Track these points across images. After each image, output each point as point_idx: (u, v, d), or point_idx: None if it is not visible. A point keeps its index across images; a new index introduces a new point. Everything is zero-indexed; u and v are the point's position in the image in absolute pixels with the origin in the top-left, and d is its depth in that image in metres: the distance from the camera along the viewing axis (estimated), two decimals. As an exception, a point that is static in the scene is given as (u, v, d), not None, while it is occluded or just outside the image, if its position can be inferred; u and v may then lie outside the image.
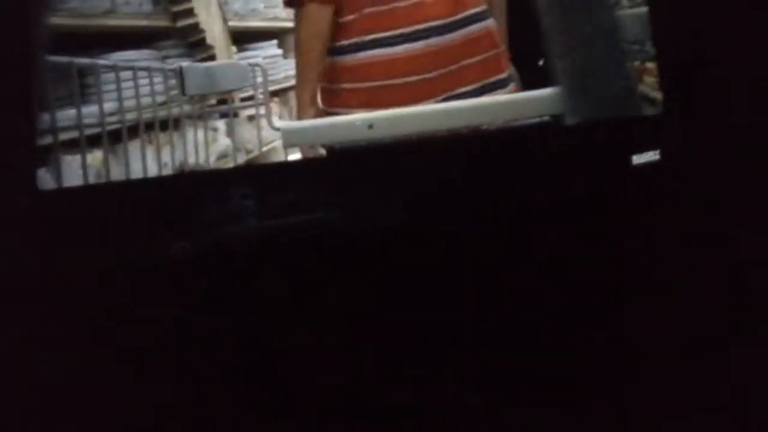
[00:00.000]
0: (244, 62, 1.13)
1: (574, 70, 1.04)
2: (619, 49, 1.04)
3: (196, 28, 1.15)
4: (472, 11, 1.09)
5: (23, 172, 0.96)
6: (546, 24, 1.05)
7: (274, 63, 1.20)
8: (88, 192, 1.01)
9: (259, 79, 1.09)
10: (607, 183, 1.07)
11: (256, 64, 1.10)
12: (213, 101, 1.11)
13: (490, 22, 1.10)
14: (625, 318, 1.12)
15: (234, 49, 1.16)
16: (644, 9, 1.08)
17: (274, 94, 1.17)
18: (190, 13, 1.15)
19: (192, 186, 1.04)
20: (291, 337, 1.05)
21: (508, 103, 1.11)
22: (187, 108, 1.07)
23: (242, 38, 1.18)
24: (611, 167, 1.07)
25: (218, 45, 1.15)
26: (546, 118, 1.07)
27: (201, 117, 1.09)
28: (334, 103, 1.11)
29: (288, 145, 1.05)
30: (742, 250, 1.13)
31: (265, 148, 1.11)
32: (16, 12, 0.99)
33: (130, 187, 1.03)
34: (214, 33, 1.16)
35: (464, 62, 1.09)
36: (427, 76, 1.07)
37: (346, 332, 1.06)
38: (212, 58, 1.14)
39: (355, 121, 1.03)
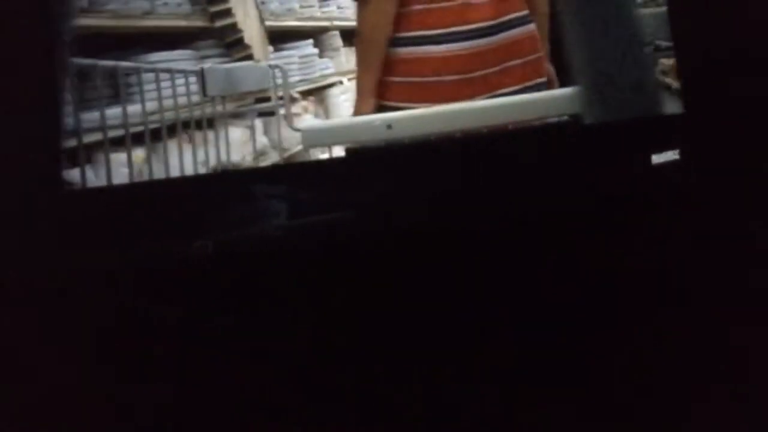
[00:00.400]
0: (264, 64, 1.13)
1: (594, 69, 1.03)
2: (639, 47, 1.03)
3: (233, 28, 1.16)
4: (515, 15, 1.10)
5: (48, 170, 0.98)
6: (566, 23, 1.04)
7: (310, 62, 1.21)
8: (114, 192, 1.02)
9: (279, 81, 1.10)
10: (627, 182, 1.06)
11: (277, 66, 1.11)
12: (251, 100, 1.12)
13: (531, 27, 1.11)
14: (643, 317, 1.11)
15: (270, 48, 1.17)
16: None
17: (309, 93, 1.18)
18: (227, 13, 1.16)
19: (214, 185, 1.06)
20: (321, 331, 1.06)
21: (527, 102, 1.10)
22: (220, 108, 1.08)
23: (279, 38, 1.19)
24: (632, 166, 1.05)
25: (255, 45, 1.16)
26: (565, 117, 1.06)
27: (238, 116, 1.10)
28: (384, 96, 1.11)
29: (308, 146, 1.07)
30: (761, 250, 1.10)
31: (295, 149, 1.11)
32: (41, 13, 1.01)
33: (152, 187, 1.04)
34: (252, 33, 1.16)
35: (507, 64, 1.10)
36: (471, 75, 1.08)
37: (370, 329, 1.06)
38: (250, 57, 1.15)
39: (374, 122, 1.03)
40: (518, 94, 1.09)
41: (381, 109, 1.11)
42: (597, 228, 1.11)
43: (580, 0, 1.04)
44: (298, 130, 1.08)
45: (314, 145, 1.07)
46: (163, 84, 1.06)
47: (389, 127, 1.02)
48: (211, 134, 1.08)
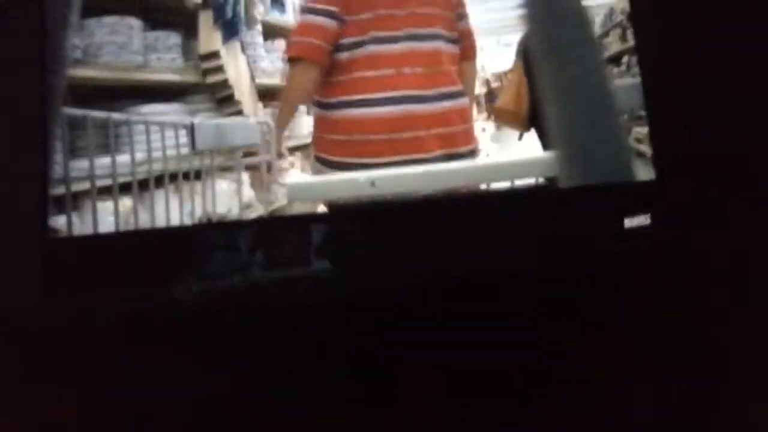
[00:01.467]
0: (254, 120, 1.17)
1: (569, 135, 1.08)
2: (614, 115, 1.08)
3: (225, 84, 1.19)
4: (448, 89, 1.19)
5: (35, 217, 0.99)
6: (543, 90, 1.09)
7: (297, 119, 1.24)
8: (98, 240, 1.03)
9: (267, 137, 1.13)
10: (600, 246, 1.09)
11: (265, 122, 1.14)
12: (239, 154, 1.15)
13: (464, 100, 1.21)
14: (614, 380, 1.13)
15: (260, 105, 1.20)
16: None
17: (297, 149, 1.21)
18: (219, 69, 1.19)
19: (197, 236, 1.07)
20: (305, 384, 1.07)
21: (507, 165, 1.15)
22: (208, 161, 1.10)
23: (268, 94, 1.22)
24: (604, 230, 1.09)
25: (245, 101, 1.19)
26: (541, 180, 1.11)
27: (225, 169, 1.12)
28: (322, 149, 1.20)
29: (293, 200, 1.10)
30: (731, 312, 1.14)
31: (279, 204, 1.13)
32: (34, 64, 1.03)
33: (138, 236, 1.05)
34: (242, 89, 1.20)
35: (437, 131, 1.17)
36: (400, 135, 1.15)
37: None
38: (239, 113, 1.18)
39: (358, 179, 1.06)
40: (448, 159, 1.16)
41: (323, 162, 1.19)
42: (569, 291, 1.14)
43: (556, 68, 1.09)
44: (283, 184, 1.11)
45: (299, 200, 1.10)
46: (154, 136, 1.08)
47: (372, 184, 1.05)
48: (198, 186, 1.10)
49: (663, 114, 1.10)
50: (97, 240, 1.04)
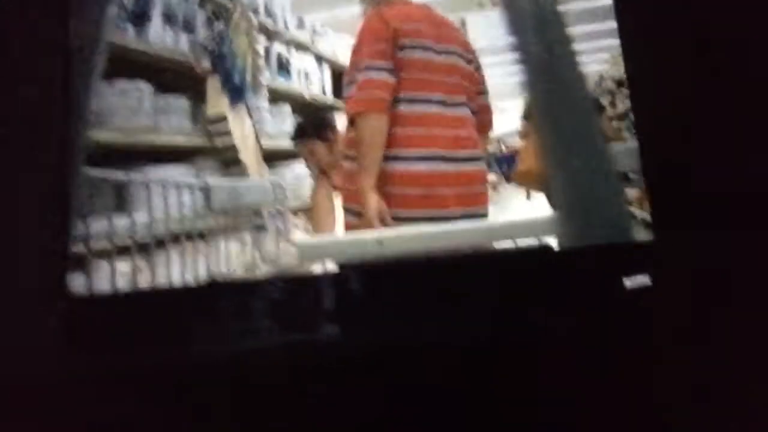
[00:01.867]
0: (266, 181, 1.20)
1: (570, 197, 1.12)
2: (613, 178, 1.12)
3: (231, 146, 1.23)
4: (470, 153, 1.25)
5: (56, 277, 1.01)
6: (544, 152, 1.14)
7: (302, 181, 1.28)
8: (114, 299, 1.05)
9: (280, 197, 1.17)
10: (599, 307, 1.11)
11: (279, 184, 1.18)
12: (244, 215, 1.18)
13: (482, 165, 1.27)
14: None
15: (266, 167, 1.24)
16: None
17: (301, 210, 1.24)
18: (226, 132, 1.23)
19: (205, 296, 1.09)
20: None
21: (508, 226, 1.19)
22: (218, 221, 1.13)
23: (273, 157, 1.26)
24: (604, 291, 1.11)
25: (250, 162, 1.23)
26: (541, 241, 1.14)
27: (233, 229, 1.15)
28: (354, 200, 1.21)
29: (304, 259, 1.11)
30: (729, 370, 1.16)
31: (286, 262, 1.16)
32: (55, 126, 1.07)
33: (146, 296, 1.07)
34: (248, 151, 1.24)
35: (461, 189, 1.23)
36: (430, 192, 1.20)
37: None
38: (245, 175, 1.21)
39: (366, 239, 1.09)
40: (467, 218, 1.21)
41: (354, 213, 1.20)
42: (568, 352, 1.15)
43: (556, 133, 1.14)
44: (294, 244, 1.14)
45: (310, 259, 1.12)
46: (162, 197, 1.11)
47: (380, 243, 1.08)
48: (204, 246, 1.13)
49: (659, 173, 1.13)
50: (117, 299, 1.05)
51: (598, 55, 1.44)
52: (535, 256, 1.14)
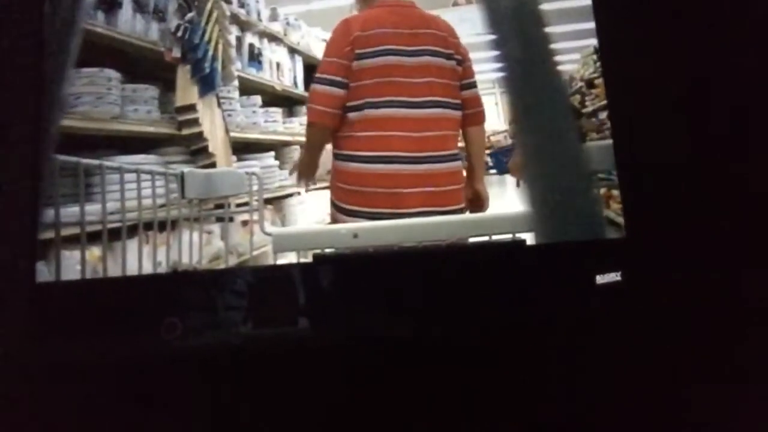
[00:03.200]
0: (241, 170, 1.20)
1: (542, 194, 1.13)
2: (584, 177, 1.13)
3: (199, 136, 1.22)
4: (439, 153, 1.28)
5: (23, 265, 1.00)
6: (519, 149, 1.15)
7: (271, 172, 1.27)
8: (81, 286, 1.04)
9: (255, 187, 1.16)
10: (571, 303, 1.12)
11: (254, 173, 1.18)
12: (210, 206, 1.17)
13: (452, 164, 1.29)
14: None
15: (234, 158, 1.23)
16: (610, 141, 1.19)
17: (268, 201, 1.24)
18: (195, 122, 1.22)
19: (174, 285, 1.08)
20: None
21: (481, 220, 1.20)
22: (185, 211, 1.12)
23: (242, 148, 1.25)
24: (575, 287, 1.12)
25: (219, 153, 1.22)
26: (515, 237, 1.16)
27: (197, 220, 1.14)
28: (337, 197, 1.27)
29: (278, 251, 1.11)
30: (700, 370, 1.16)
31: (255, 252, 1.15)
32: (26, 113, 1.05)
33: (116, 283, 1.06)
34: (216, 142, 1.23)
35: (425, 189, 1.25)
36: (393, 191, 1.24)
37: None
38: (213, 165, 1.20)
39: (341, 230, 1.10)
40: (434, 215, 1.23)
41: (337, 208, 1.25)
42: (541, 346, 1.15)
43: (531, 133, 1.14)
44: (269, 234, 1.14)
45: (284, 250, 1.12)
46: (132, 185, 1.10)
47: (355, 236, 1.08)
48: (186, 235, 1.12)
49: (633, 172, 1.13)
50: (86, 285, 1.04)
51: (569, 56, 1.45)
52: (508, 251, 1.15)
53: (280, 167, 1.29)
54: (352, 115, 1.26)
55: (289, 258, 1.11)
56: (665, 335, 1.16)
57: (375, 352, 1.10)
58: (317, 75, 1.25)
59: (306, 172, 1.28)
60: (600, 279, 1.07)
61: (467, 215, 1.25)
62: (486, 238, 1.17)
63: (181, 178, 1.11)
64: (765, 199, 1.20)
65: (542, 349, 1.14)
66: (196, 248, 1.13)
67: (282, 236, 1.15)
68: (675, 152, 1.23)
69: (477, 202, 1.32)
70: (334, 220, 1.25)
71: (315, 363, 1.08)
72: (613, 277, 1.07)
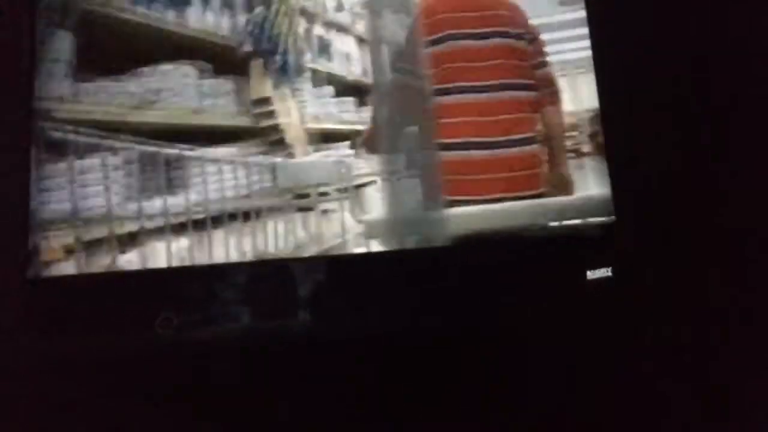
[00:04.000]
0: (330, 159, 1.21)
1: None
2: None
3: (276, 128, 1.23)
4: (509, 138, 1.27)
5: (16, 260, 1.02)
6: None
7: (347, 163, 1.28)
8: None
9: (344, 172, 1.20)
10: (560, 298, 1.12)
11: (341, 161, 1.19)
12: (290, 196, 1.18)
13: (527, 148, 1.28)
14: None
15: (310, 148, 1.24)
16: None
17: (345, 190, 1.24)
18: (271, 114, 1.23)
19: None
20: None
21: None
22: (271, 201, 1.14)
23: (318, 139, 1.26)
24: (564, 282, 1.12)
25: (297, 144, 1.23)
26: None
27: (281, 210, 1.16)
28: None
29: (370, 237, 1.14)
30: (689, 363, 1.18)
31: (338, 241, 1.16)
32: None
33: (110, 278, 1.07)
34: (293, 133, 1.24)
35: (498, 174, 1.25)
36: (479, 177, 1.24)
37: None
38: (291, 156, 1.21)
39: (436, 217, 1.14)
40: (511, 201, 1.23)
41: None
42: (531, 342, 1.17)
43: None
44: (361, 221, 1.15)
45: (376, 237, 1.15)
46: (216, 177, 1.12)
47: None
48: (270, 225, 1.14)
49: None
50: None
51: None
52: (499, 245, 1.15)
53: (355, 156, 1.29)
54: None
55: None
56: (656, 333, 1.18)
57: (373, 349, 1.12)
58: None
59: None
60: (590, 274, 1.09)
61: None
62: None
63: (273, 170, 1.12)
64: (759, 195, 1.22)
65: (535, 345, 1.18)
66: (281, 238, 1.15)
67: (374, 222, 1.17)
68: (665, 145, 1.25)
69: (561, 187, 1.28)
70: None
71: (319, 358, 1.11)
72: (604, 272, 1.09)
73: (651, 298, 1.18)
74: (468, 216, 1.18)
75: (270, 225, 1.15)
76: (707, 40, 1.29)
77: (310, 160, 1.20)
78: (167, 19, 1.24)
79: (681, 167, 1.24)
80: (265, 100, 1.25)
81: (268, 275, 1.09)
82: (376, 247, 1.15)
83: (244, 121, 1.23)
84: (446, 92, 1.26)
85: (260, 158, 1.17)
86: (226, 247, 1.12)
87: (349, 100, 1.29)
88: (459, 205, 1.20)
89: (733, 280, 1.21)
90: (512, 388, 1.15)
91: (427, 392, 1.13)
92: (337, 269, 1.11)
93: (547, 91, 1.30)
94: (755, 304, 1.20)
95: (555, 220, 1.18)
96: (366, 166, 1.26)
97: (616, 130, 1.20)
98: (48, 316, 1.00)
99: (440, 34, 1.27)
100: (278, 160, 1.15)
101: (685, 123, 1.26)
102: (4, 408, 1.05)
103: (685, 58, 1.29)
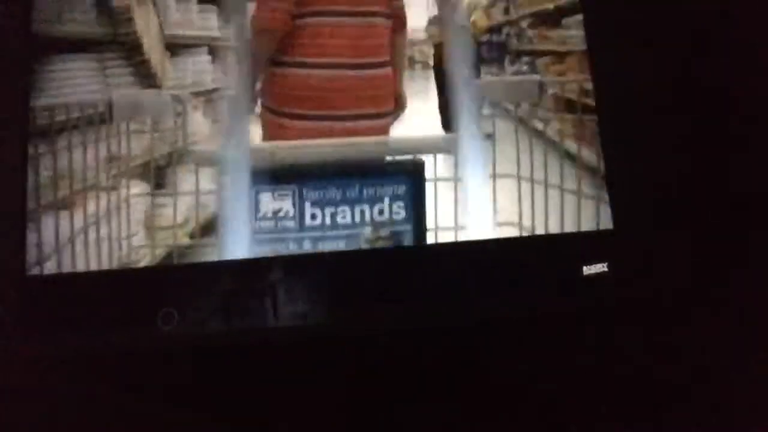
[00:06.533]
0: (167, 94, 1.26)
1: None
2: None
3: (134, 36, 1.27)
4: (374, 60, 1.39)
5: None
6: None
7: (204, 70, 1.33)
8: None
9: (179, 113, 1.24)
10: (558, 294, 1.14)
11: (177, 97, 1.25)
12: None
13: (387, 70, 1.41)
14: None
15: (168, 54, 1.29)
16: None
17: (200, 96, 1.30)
18: (129, 21, 1.28)
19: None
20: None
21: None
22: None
23: (177, 45, 1.31)
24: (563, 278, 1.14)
25: (154, 53, 1.28)
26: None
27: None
28: (274, 102, 1.41)
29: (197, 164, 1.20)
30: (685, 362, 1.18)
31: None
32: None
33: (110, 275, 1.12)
34: (151, 41, 1.28)
35: (365, 92, 1.38)
36: (334, 95, 1.36)
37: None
38: (147, 62, 1.27)
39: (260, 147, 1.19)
40: (372, 117, 1.38)
41: (272, 111, 1.38)
42: (527, 339, 1.18)
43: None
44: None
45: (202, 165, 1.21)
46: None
47: (272, 154, 1.19)
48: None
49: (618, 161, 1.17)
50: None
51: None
52: (494, 243, 1.18)
53: (212, 63, 1.33)
54: (298, 22, 1.36)
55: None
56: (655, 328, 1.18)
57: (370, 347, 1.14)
58: None
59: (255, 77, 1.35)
60: (587, 270, 1.11)
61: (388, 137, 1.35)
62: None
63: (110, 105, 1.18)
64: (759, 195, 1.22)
65: (531, 342, 1.18)
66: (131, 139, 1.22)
67: (201, 153, 1.22)
68: (664, 142, 1.24)
69: (400, 103, 1.42)
70: (268, 125, 1.35)
71: (320, 354, 1.13)
72: (601, 268, 1.11)
73: (650, 297, 1.19)
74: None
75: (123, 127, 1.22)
76: (709, 37, 1.26)
77: (146, 94, 1.24)
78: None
79: (681, 167, 1.24)
80: (125, 8, 1.28)
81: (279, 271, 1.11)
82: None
83: (102, 31, 1.27)
84: (322, 14, 1.35)
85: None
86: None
87: (212, 8, 1.32)
88: (325, 120, 1.33)
89: (733, 279, 1.21)
90: (509, 385, 1.16)
91: (422, 391, 1.14)
92: (348, 263, 1.14)
93: (400, 20, 1.40)
94: (756, 304, 1.22)
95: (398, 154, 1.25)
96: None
97: (614, 129, 1.20)
98: (47, 314, 1.04)
99: None
100: (115, 94, 1.19)
101: (684, 122, 1.25)
102: (4, 407, 1.06)
103: (685, 51, 1.26)
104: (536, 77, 1.34)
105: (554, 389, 1.15)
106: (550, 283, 1.13)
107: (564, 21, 1.37)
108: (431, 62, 1.40)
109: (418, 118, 1.38)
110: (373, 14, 1.37)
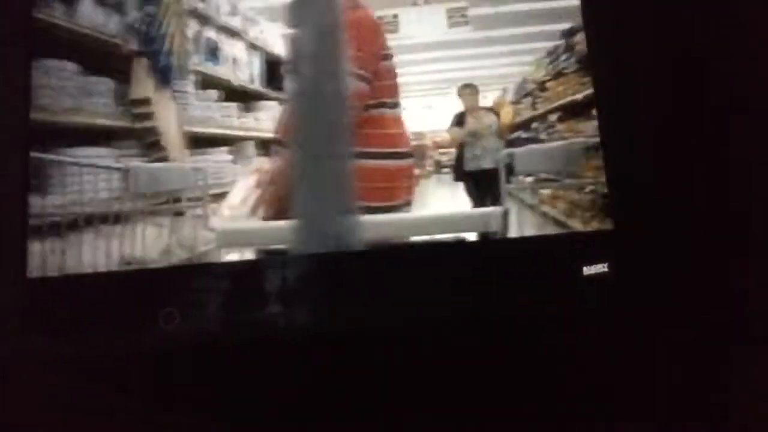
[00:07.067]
0: (186, 166, 1.22)
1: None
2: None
3: (153, 130, 1.24)
4: (409, 150, 1.39)
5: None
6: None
7: (224, 168, 1.30)
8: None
9: (201, 182, 1.19)
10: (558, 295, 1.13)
11: (199, 169, 1.20)
12: (163, 199, 1.19)
13: (412, 159, 1.41)
14: None
15: (187, 152, 1.25)
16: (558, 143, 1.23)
17: (221, 196, 1.26)
18: (149, 116, 1.24)
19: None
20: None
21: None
22: (138, 204, 1.14)
23: (197, 143, 1.28)
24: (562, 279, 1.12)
25: (172, 147, 1.24)
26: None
27: (152, 213, 1.16)
28: None
29: (222, 246, 1.13)
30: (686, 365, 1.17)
31: (204, 248, 1.18)
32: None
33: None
34: (170, 136, 1.25)
35: (402, 183, 1.37)
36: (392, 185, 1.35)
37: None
38: (165, 159, 1.22)
39: (285, 227, 1.11)
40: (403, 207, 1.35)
41: None
42: (524, 339, 1.16)
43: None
44: (213, 230, 1.16)
45: (227, 246, 1.15)
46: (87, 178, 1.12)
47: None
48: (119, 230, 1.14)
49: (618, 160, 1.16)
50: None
51: (523, 57, 1.48)
52: (491, 243, 1.19)
53: (234, 162, 1.31)
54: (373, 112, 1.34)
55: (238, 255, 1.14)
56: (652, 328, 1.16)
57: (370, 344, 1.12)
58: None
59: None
60: (587, 270, 1.10)
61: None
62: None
63: (126, 173, 1.12)
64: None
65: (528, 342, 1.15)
66: (148, 241, 1.16)
67: (226, 232, 1.17)
68: (664, 145, 1.22)
69: None
70: None
71: (321, 354, 1.11)
72: (601, 268, 1.10)
73: (650, 295, 1.16)
74: (380, 224, 1.22)
75: (139, 229, 1.16)
76: (708, 42, 1.30)
77: (164, 165, 1.21)
78: (54, 12, 1.23)
79: (680, 167, 1.24)
80: (145, 101, 1.25)
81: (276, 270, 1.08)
82: (231, 257, 1.16)
83: (121, 122, 1.24)
84: (381, 105, 1.34)
85: (112, 162, 1.16)
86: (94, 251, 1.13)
87: (233, 105, 1.31)
88: (372, 212, 1.25)
89: (733, 279, 1.20)
90: (509, 385, 1.15)
91: (421, 390, 1.12)
92: (343, 265, 1.10)
93: None
94: (756, 303, 1.20)
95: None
96: (240, 172, 1.29)
97: (615, 129, 1.20)
98: (48, 315, 1.01)
99: (389, 51, 1.34)
100: (131, 164, 1.15)
101: (684, 123, 1.25)
102: (4, 407, 1.05)
103: (685, 59, 1.28)
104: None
105: (555, 388, 1.14)
106: (550, 284, 1.11)
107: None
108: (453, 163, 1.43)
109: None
110: (399, 105, 1.36)
